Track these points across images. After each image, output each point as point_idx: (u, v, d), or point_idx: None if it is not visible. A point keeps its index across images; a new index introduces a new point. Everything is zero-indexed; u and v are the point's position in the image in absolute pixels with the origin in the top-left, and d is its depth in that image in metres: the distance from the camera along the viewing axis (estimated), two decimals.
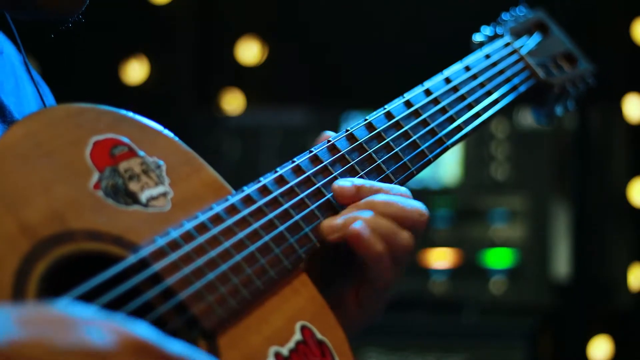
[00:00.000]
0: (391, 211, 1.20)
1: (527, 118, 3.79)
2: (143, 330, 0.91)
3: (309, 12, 4.26)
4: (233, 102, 4.26)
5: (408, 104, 1.36)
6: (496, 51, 1.51)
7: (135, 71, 4.22)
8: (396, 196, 1.22)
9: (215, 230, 1.10)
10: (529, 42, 1.58)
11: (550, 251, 3.73)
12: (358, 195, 1.22)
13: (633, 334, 3.72)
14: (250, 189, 1.17)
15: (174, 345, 0.92)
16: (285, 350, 1.10)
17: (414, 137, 1.33)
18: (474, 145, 3.84)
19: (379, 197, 1.22)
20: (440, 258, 3.79)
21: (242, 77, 4.24)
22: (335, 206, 1.22)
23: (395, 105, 1.35)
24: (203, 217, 1.11)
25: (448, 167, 3.85)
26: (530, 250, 3.73)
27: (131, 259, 1.04)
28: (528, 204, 3.76)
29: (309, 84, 4.25)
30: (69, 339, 0.87)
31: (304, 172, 1.23)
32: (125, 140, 1.12)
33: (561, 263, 3.73)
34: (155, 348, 0.90)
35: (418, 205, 1.23)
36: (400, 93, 1.38)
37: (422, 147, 1.34)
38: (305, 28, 4.27)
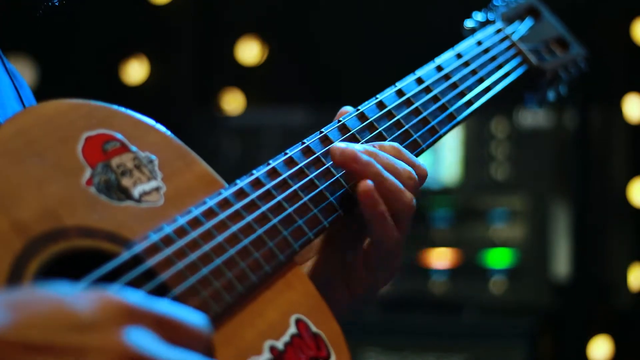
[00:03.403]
0: (392, 170, 1.23)
1: (527, 118, 3.79)
2: (127, 294, 0.92)
3: (308, 12, 4.26)
4: (233, 102, 4.26)
5: (400, 92, 1.36)
6: (488, 38, 1.51)
7: (135, 71, 4.23)
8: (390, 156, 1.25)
9: (208, 225, 1.10)
10: (521, 28, 1.57)
11: (550, 251, 3.72)
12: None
13: (633, 334, 3.72)
14: (243, 182, 1.16)
15: (160, 305, 0.93)
16: (280, 344, 1.10)
17: (407, 127, 1.33)
18: (474, 145, 3.84)
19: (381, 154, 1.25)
20: (440, 258, 3.79)
21: (242, 77, 4.25)
22: (328, 197, 1.22)
23: (387, 94, 1.35)
24: (196, 212, 1.10)
25: (448, 167, 3.85)
26: (530, 250, 3.73)
27: (125, 255, 1.04)
28: (528, 204, 3.76)
29: (309, 84, 4.26)
30: (58, 316, 0.88)
31: (297, 164, 1.22)
32: (118, 135, 1.12)
33: (561, 263, 3.73)
34: (142, 310, 0.91)
35: (409, 168, 1.25)
36: None
37: (415, 136, 1.33)
38: (305, 28, 4.27)
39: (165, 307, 0.93)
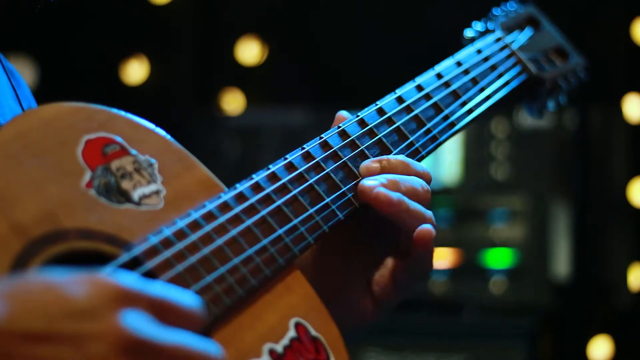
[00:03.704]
0: (413, 194, 1.26)
1: (527, 118, 3.79)
2: (122, 278, 0.92)
3: (308, 12, 4.26)
4: (233, 102, 4.26)
5: (400, 99, 1.36)
6: (488, 46, 1.51)
7: (135, 71, 4.23)
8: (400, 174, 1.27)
9: (208, 228, 1.10)
10: (520, 37, 1.57)
11: (550, 251, 3.72)
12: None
13: (633, 334, 3.72)
14: (242, 186, 1.17)
15: (153, 287, 0.94)
16: (279, 347, 1.10)
17: (407, 134, 1.33)
18: (474, 145, 3.84)
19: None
20: (440, 258, 3.79)
21: (242, 77, 4.25)
22: (328, 203, 1.22)
23: (387, 102, 1.35)
24: (196, 215, 1.10)
25: (448, 167, 3.85)
26: (530, 250, 3.72)
27: (124, 257, 1.04)
28: (528, 204, 3.75)
29: (309, 84, 4.26)
30: (55, 304, 0.89)
31: (296, 169, 1.22)
32: (117, 138, 1.12)
33: (561, 263, 3.73)
34: (136, 292, 0.92)
35: (421, 182, 1.28)
36: None
37: (416, 145, 1.34)
38: (305, 28, 4.27)
39: (159, 289, 0.94)
